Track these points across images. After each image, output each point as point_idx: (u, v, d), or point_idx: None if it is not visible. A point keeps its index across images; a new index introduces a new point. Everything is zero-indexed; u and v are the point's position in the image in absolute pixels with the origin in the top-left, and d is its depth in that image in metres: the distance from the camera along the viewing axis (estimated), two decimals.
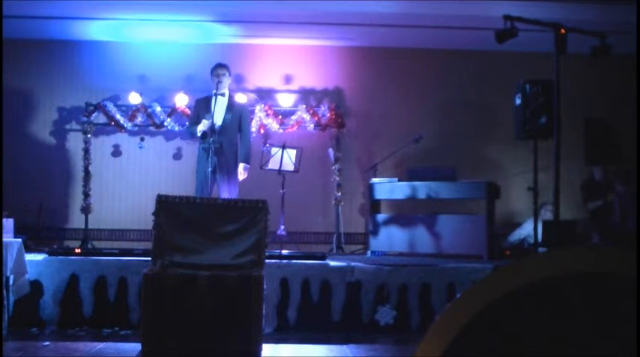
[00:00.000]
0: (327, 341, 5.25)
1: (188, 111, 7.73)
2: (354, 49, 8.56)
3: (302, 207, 8.11)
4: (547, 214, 7.35)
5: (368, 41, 8.39)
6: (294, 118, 8.06)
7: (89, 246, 7.57)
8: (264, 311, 4.51)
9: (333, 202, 8.00)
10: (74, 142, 8.29)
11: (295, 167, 6.97)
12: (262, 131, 8.00)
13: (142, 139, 8.09)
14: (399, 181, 7.35)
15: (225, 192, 6.26)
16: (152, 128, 8.12)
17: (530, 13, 5.54)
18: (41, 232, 7.82)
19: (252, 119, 7.68)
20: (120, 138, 8.30)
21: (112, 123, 8.03)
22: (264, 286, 4.53)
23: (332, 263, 5.85)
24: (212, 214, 4.73)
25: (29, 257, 5.52)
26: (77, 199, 8.10)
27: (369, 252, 7.34)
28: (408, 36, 8.10)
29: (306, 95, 8.45)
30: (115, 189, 8.31)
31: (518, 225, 7.91)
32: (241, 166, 6.39)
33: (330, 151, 7.95)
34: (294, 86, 8.51)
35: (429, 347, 1.08)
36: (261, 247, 4.67)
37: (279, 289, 5.61)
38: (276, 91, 8.42)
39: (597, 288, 1.04)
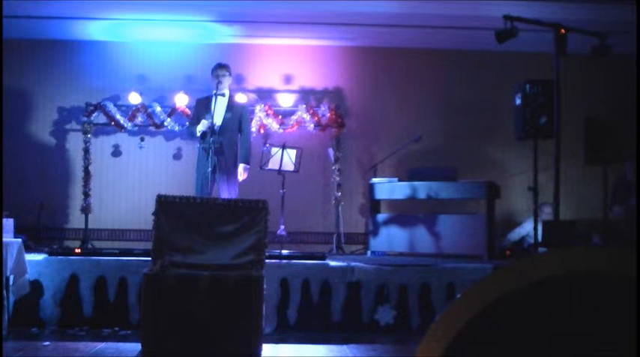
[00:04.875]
0: (327, 341, 5.25)
1: (188, 111, 7.73)
2: (354, 49, 8.56)
3: (302, 207, 8.11)
4: (545, 212, 7.33)
5: (368, 41, 8.39)
6: (294, 118, 8.06)
7: (89, 246, 7.57)
8: (264, 311, 4.51)
9: (333, 202, 8.00)
10: (74, 142, 8.29)
11: (295, 167, 6.97)
12: (262, 131, 7.99)
13: (142, 139, 8.09)
14: (399, 181, 7.35)
15: (225, 192, 6.25)
16: (152, 128, 8.12)
17: (530, 13, 5.55)
18: (41, 232, 7.82)
19: (252, 119, 7.67)
20: (120, 138, 8.30)
21: (112, 123, 8.02)
22: (264, 286, 4.53)
23: (332, 263, 5.84)
24: (212, 214, 4.73)
25: (29, 257, 5.52)
26: (77, 199, 8.10)
27: (369, 252, 7.34)
28: (408, 36, 8.10)
29: (306, 95, 8.45)
30: (115, 189, 8.31)
31: (518, 225, 7.91)
32: (241, 166, 6.38)
33: (330, 151, 7.95)
34: (294, 86, 8.51)
35: (429, 347, 1.08)
36: (261, 247, 4.67)
37: (279, 289, 5.61)
38: (276, 91, 8.41)
39: (597, 288, 1.04)
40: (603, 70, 7.95)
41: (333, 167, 8.02)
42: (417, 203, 7.64)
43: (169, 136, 8.30)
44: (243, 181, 6.41)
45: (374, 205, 7.52)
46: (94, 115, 8.00)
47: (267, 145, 7.12)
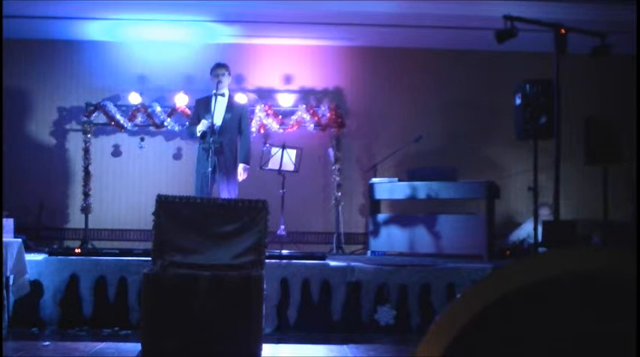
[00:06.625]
0: (327, 341, 5.25)
1: (188, 111, 7.73)
2: (354, 49, 8.56)
3: (302, 207, 8.10)
4: (545, 213, 7.32)
5: (368, 41, 8.39)
6: (294, 118, 8.06)
7: (89, 246, 7.57)
8: (264, 311, 4.51)
9: (333, 202, 8.00)
10: (74, 142, 8.29)
11: (295, 167, 6.97)
12: (262, 131, 7.99)
13: (142, 139, 8.09)
14: (399, 181, 7.35)
15: (225, 192, 6.26)
16: (152, 128, 8.12)
17: (530, 13, 5.55)
18: (41, 232, 7.82)
19: (252, 119, 7.68)
20: (120, 138, 8.30)
21: (112, 123, 8.02)
22: (264, 286, 4.53)
23: (332, 263, 5.84)
24: (212, 214, 4.72)
25: (29, 257, 5.52)
26: (77, 199, 8.10)
27: (369, 252, 7.33)
28: (407, 36, 8.10)
29: (306, 95, 8.45)
30: (115, 189, 8.31)
31: (518, 225, 7.91)
32: (241, 166, 6.38)
33: (330, 151, 7.95)
34: (294, 86, 8.51)
35: (429, 347, 1.08)
36: (261, 247, 4.67)
37: (279, 289, 5.61)
38: (276, 91, 8.41)
39: (597, 288, 1.04)
40: (603, 70, 7.95)
41: (333, 167, 8.02)
42: (417, 203, 7.63)
43: (169, 136, 8.30)
44: (243, 181, 6.42)
45: (374, 205, 7.52)
46: (94, 115, 8.01)
47: (267, 145, 7.12)
